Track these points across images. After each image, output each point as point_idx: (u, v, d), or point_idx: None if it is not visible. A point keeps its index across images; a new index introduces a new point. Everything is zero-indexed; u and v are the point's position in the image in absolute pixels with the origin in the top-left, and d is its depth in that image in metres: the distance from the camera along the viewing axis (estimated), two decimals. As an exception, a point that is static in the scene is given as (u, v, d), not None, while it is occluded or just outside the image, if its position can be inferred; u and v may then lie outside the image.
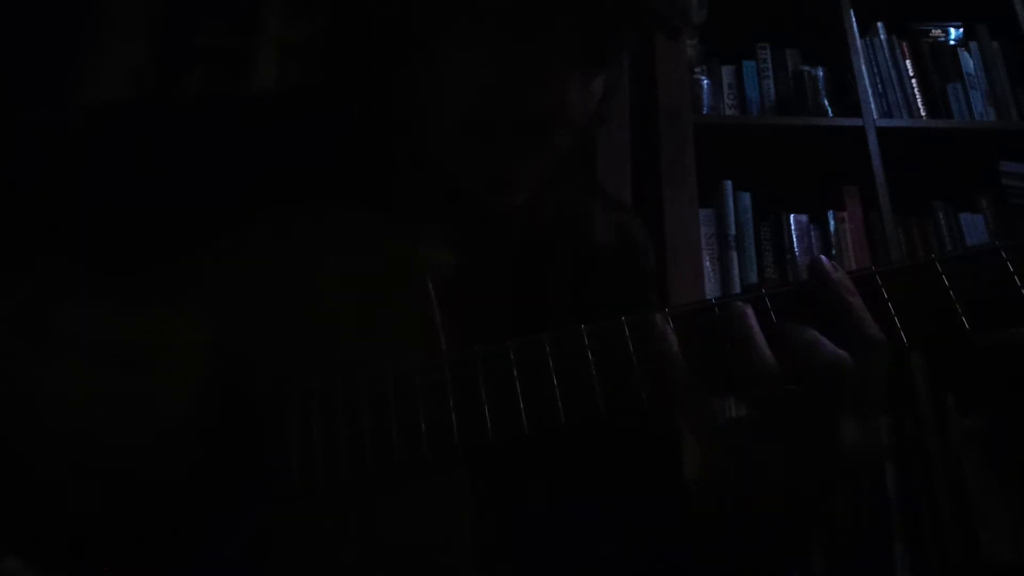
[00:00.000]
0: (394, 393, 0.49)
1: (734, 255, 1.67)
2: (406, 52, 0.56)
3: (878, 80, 1.85)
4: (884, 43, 1.90)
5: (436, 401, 0.48)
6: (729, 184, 1.73)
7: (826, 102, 1.80)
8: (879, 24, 1.91)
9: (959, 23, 1.94)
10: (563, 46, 0.53)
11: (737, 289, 1.63)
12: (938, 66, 1.88)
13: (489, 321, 0.50)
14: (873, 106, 1.76)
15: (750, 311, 0.47)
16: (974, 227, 1.73)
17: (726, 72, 1.92)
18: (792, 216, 1.72)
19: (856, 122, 1.70)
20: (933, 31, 1.94)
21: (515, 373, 0.48)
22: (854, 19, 1.85)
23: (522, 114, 0.54)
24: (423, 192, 0.61)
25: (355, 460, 0.48)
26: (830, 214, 1.72)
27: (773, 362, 0.45)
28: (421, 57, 0.56)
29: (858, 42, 1.83)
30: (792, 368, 0.45)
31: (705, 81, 1.84)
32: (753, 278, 1.66)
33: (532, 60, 0.53)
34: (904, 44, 1.91)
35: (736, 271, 1.66)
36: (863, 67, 1.79)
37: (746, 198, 1.73)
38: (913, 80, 1.86)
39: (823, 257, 0.49)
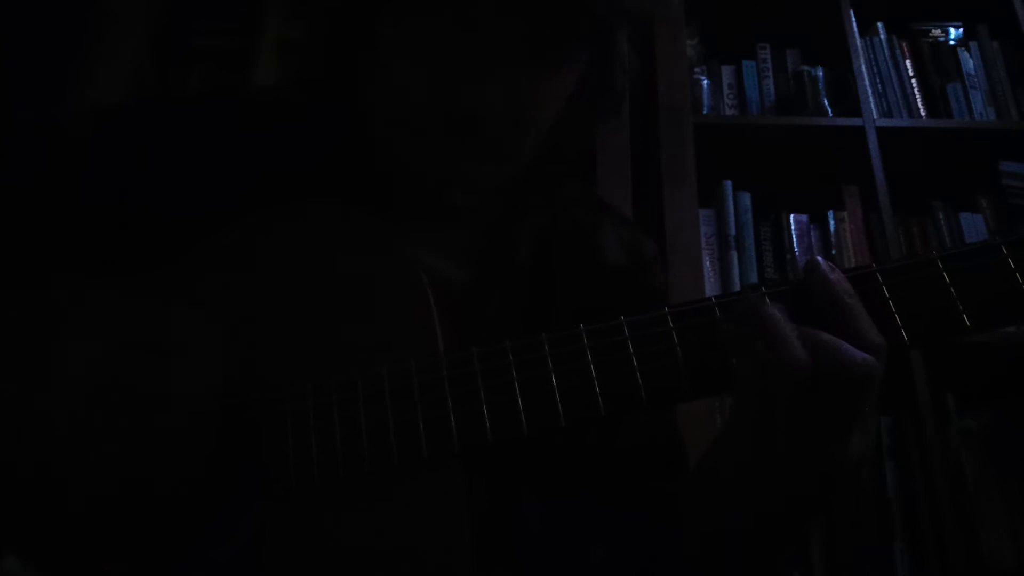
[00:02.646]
0: (391, 392, 0.49)
1: (734, 255, 1.67)
2: (365, 43, 0.57)
3: (878, 80, 1.85)
4: (884, 43, 1.90)
5: (434, 400, 0.48)
6: (729, 184, 1.73)
7: (826, 102, 1.80)
8: (879, 24, 1.91)
9: (959, 23, 1.94)
10: (497, 41, 0.53)
11: (737, 289, 1.62)
12: (938, 66, 1.87)
13: (495, 339, 0.50)
14: (873, 106, 1.76)
15: (782, 310, 0.46)
16: (974, 227, 1.73)
17: (726, 72, 1.91)
18: (792, 216, 1.72)
19: (856, 122, 1.70)
20: (933, 31, 1.94)
21: (514, 373, 0.48)
22: (854, 19, 1.85)
23: (454, 110, 0.53)
24: (410, 194, 0.61)
25: (352, 460, 0.48)
26: (830, 214, 1.72)
27: (808, 361, 0.44)
28: (377, 50, 0.56)
29: (858, 42, 1.83)
30: (822, 368, 0.44)
31: (705, 81, 1.84)
32: (753, 278, 1.66)
33: (464, 54, 0.53)
34: (904, 44, 1.91)
35: (736, 271, 1.66)
36: (863, 67, 1.79)
37: (746, 198, 1.73)
38: (913, 80, 1.86)
39: (820, 259, 0.48)
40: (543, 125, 0.59)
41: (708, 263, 1.66)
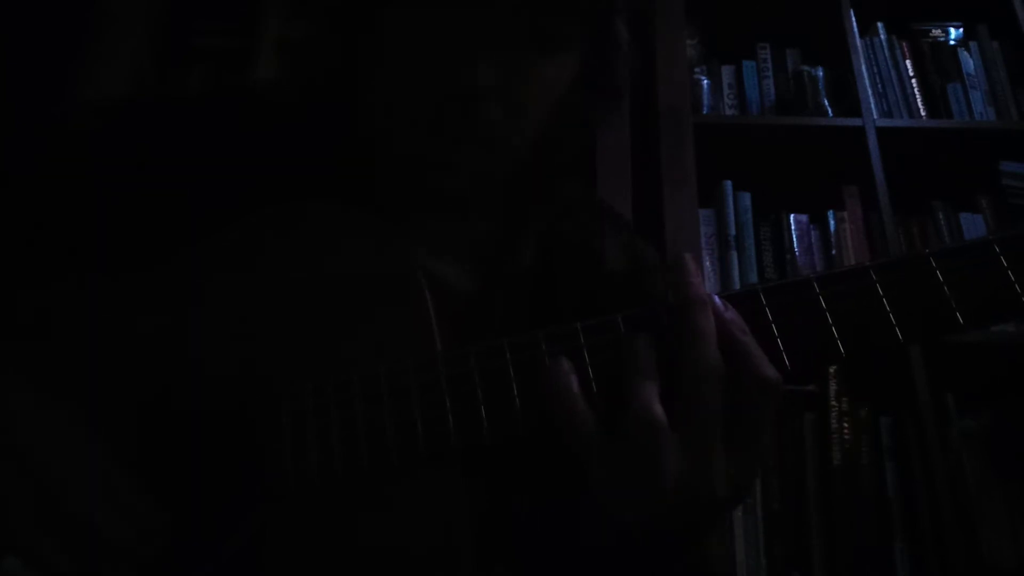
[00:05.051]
0: (389, 392, 0.49)
1: (734, 255, 1.67)
2: (362, 36, 0.57)
3: (878, 80, 1.85)
4: (884, 43, 1.90)
5: (432, 400, 0.48)
6: (729, 184, 1.73)
7: (826, 102, 1.80)
8: (879, 24, 1.91)
9: (959, 23, 1.94)
10: (493, 23, 0.53)
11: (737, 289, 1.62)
12: (938, 66, 1.87)
13: None
14: (873, 106, 1.76)
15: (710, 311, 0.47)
16: (974, 227, 1.73)
17: (726, 72, 1.91)
18: (792, 216, 1.72)
19: (856, 122, 1.70)
20: (933, 31, 1.94)
21: (511, 372, 0.48)
22: (854, 19, 1.85)
23: (449, 89, 0.54)
24: (405, 185, 0.61)
25: (351, 460, 0.48)
26: (830, 214, 1.72)
27: (721, 364, 0.46)
28: (371, 39, 0.57)
29: (858, 42, 1.83)
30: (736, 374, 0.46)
31: (705, 81, 1.84)
32: (753, 278, 1.66)
33: (459, 35, 0.53)
34: (904, 44, 1.91)
35: (736, 271, 1.66)
36: (863, 67, 1.79)
37: (746, 198, 1.73)
38: (913, 80, 1.86)
39: (716, 296, 0.48)
40: (538, 115, 0.59)
41: (708, 263, 1.66)
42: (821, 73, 1.83)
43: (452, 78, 0.53)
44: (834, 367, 1.50)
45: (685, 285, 0.48)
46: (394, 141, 0.58)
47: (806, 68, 1.85)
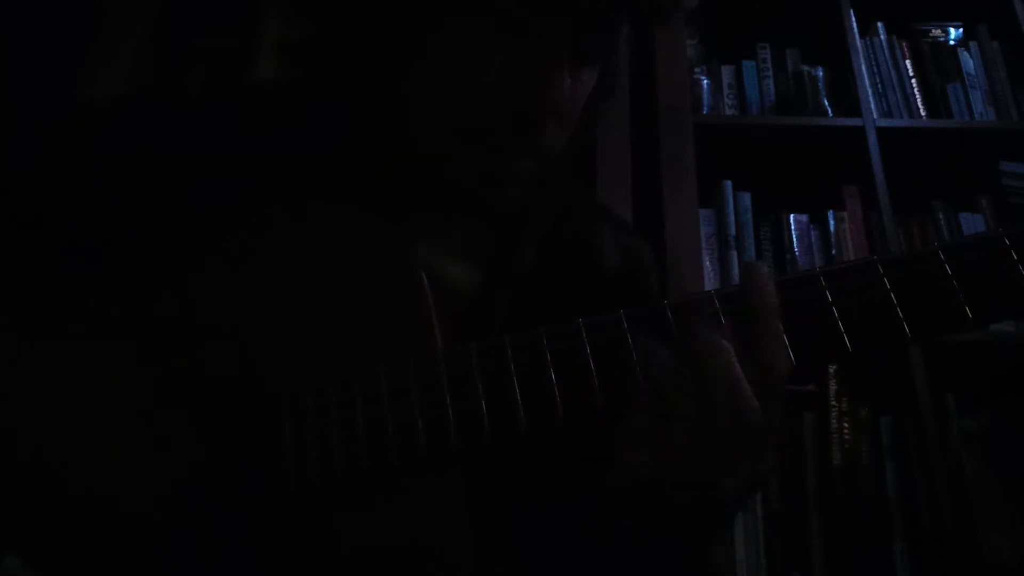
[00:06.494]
0: (389, 392, 0.49)
1: (734, 255, 1.67)
2: (399, 47, 0.56)
3: (878, 80, 1.85)
4: (884, 43, 1.90)
5: (431, 400, 0.48)
6: (729, 184, 1.73)
7: (826, 102, 1.80)
8: (879, 24, 1.91)
9: (959, 23, 1.94)
10: (551, 38, 0.53)
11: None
12: (938, 66, 1.88)
13: None
14: (873, 106, 1.76)
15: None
16: (974, 227, 1.74)
17: (726, 72, 1.92)
18: (792, 216, 1.72)
19: (856, 122, 1.70)
20: (933, 31, 1.94)
21: (512, 370, 0.48)
22: (854, 19, 1.85)
23: (512, 109, 0.54)
24: (420, 191, 0.61)
25: (351, 460, 0.48)
26: (830, 214, 1.72)
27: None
28: (412, 51, 0.56)
29: (858, 42, 1.83)
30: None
31: (705, 81, 1.84)
32: (753, 278, 1.65)
33: (521, 53, 0.53)
34: (904, 44, 1.91)
35: (736, 271, 1.66)
36: (863, 67, 1.79)
37: (746, 198, 1.73)
38: (913, 80, 1.86)
39: (763, 266, 0.48)
40: (573, 125, 0.60)
41: (708, 263, 1.66)
42: (821, 73, 1.83)
43: (510, 97, 0.53)
44: (834, 367, 1.51)
45: (760, 293, 0.48)
46: (443, 154, 0.58)
47: (806, 68, 1.85)
